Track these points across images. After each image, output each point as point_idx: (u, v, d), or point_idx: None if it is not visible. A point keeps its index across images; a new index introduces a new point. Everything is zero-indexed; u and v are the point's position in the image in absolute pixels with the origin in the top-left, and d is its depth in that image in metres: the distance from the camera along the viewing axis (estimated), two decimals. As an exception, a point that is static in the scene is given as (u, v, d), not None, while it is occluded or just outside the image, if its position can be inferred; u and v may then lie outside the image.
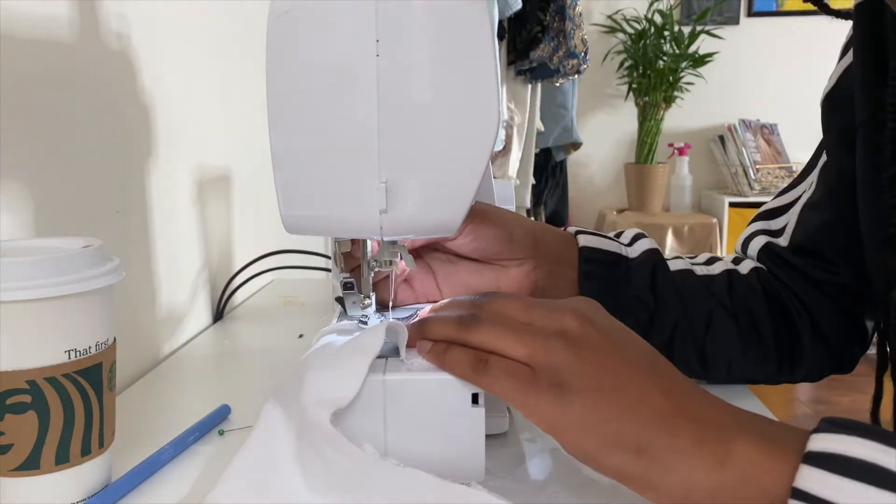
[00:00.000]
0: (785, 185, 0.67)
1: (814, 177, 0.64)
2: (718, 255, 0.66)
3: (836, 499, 0.31)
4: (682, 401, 0.37)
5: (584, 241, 0.60)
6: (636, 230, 0.63)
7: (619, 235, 0.63)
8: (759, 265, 0.64)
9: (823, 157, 0.63)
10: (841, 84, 0.59)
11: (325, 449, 0.40)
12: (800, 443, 0.33)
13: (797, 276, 0.62)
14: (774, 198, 0.68)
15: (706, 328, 0.59)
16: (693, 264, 0.63)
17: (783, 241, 0.63)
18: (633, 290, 0.58)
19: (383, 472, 0.39)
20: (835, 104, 0.60)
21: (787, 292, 0.62)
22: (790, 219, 0.64)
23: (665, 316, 0.58)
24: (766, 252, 0.63)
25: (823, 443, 0.32)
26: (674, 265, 0.61)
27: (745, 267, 0.63)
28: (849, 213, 0.58)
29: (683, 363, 0.60)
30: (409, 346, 0.46)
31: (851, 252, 0.58)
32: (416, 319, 0.48)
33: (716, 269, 0.62)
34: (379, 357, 0.45)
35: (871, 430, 0.32)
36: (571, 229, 0.62)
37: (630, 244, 0.61)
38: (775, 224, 0.65)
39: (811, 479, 0.31)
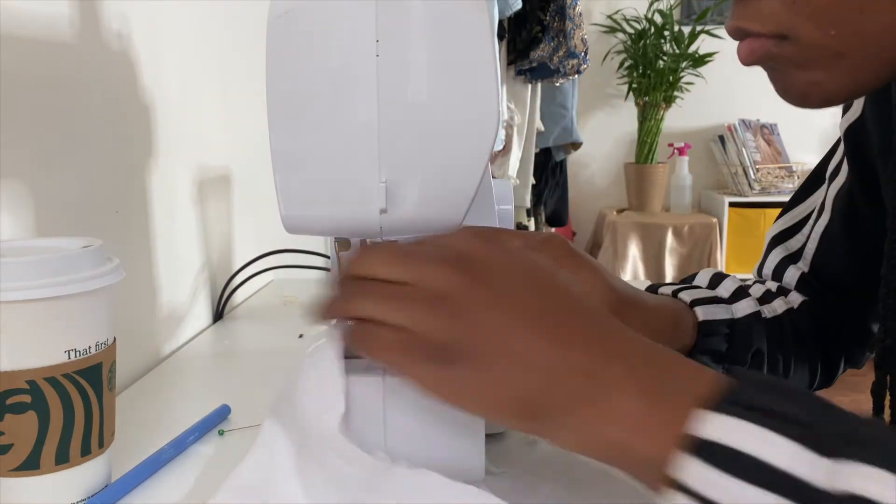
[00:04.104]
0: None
1: (825, 199, 0.64)
2: (765, 283, 0.67)
3: (714, 496, 0.29)
4: (572, 349, 0.34)
5: (702, 314, 0.58)
6: (737, 283, 0.62)
7: (716, 283, 0.62)
8: (804, 299, 0.65)
9: (837, 182, 0.63)
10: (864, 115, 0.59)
11: (332, 458, 0.40)
12: (689, 404, 0.31)
13: (821, 302, 0.64)
14: (781, 216, 0.69)
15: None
16: (759, 304, 0.63)
17: (803, 266, 0.65)
18: (737, 354, 0.59)
19: (393, 474, 0.39)
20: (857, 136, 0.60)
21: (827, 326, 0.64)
22: (805, 243, 0.65)
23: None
24: (803, 285, 0.65)
25: (711, 427, 0.30)
26: (743, 309, 0.61)
27: (794, 301, 0.64)
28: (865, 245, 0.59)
29: None
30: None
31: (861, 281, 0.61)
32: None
33: (778, 308, 0.63)
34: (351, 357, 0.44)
35: (777, 400, 0.31)
36: (685, 296, 0.59)
37: (732, 301, 0.61)
38: (792, 245, 0.67)
39: (689, 473, 0.30)
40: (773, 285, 0.66)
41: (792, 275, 0.66)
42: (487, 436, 0.46)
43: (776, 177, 3.05)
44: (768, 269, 0.68)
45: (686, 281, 0.64)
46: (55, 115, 0.62)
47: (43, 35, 0.61)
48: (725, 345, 0.58)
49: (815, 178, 0.67)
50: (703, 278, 0.63)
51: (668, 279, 2.98)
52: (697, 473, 0.30)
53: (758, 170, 3.05)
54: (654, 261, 2.99)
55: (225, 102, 1.03)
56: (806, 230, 0.66)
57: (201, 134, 0.94)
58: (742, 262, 3.05)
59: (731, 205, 3.03)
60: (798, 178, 3.06)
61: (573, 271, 0.50)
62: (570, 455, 0.47)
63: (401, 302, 0.36)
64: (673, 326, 0.57)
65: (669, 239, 2.97)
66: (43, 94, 0.61)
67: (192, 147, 0.90)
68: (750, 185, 3.04)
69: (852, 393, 2.67)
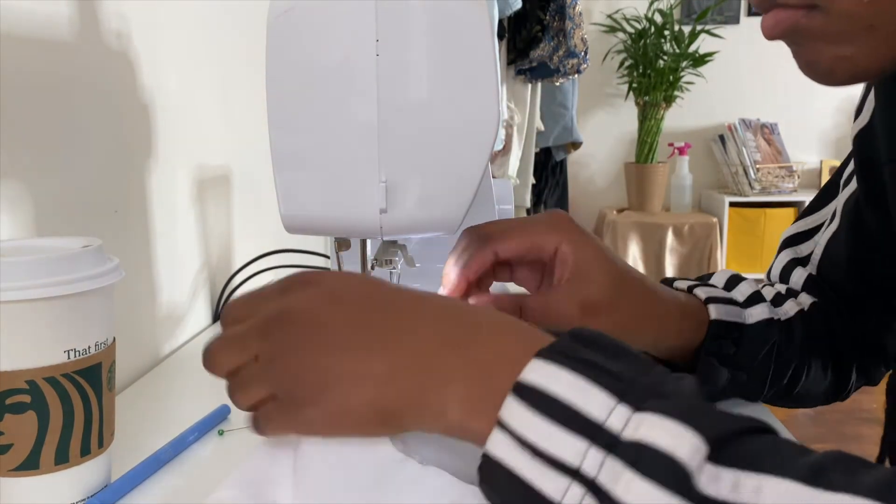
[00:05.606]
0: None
1: (836, 205, 0.63)
2: (776, 287, 0.65)
3: (527, 436, 0.31)
4: (399, 354, 0.36)
5: (714, 312, 0.56)
6: (753, 288, 0.61)
7: (732, 286, 0.60)
8: (813, 300, 0.63)
9: (848, 190, 0.62)
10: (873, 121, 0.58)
11: (346, 449, 0.40)
12: (513, 380, 0.33)
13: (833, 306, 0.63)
14: (797, 221, 0.68)
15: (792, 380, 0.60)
16: (773, 308, 0.61)
17: (811, 269, 0.64)
18: (744, 360, 0.57)
19: (403, 472, 0.39)
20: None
21: (838, 327, 0.62)
22: (814, 249, 0.64)
23: (754, 378, 0.59)
24: (811, 285, 0.64)
25: (535, 374, 0.32)
26: (756, 315, 0.60)
27: (805, 302, 0.63)
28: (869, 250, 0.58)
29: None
30: None
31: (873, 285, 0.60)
32: None
33: (789, 311, 0.61)
34: None
35: (598, 356, 0.32)
36: (700, 293, 0.58)
37: (746, 305, 0.59)
38: (802, 250, 0.66)
39: (511, 412, 0.31)
40: (782, 288, 0.65)
41: (799, 275, 0.64)
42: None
43: (776, 176, 3.05)
44: (776, 270, 0.67)
45: (702, 280, 0.63)
46: (55, 114, 0.62)
47: (42, 35, 0.61)
48: (734, 348, 0.57)
49: (831, 188, 0.66)
50: (719, 279, 0.62)
51: (669, 279, 2.98)
52: (518, 414, 0.31)
53: (758, 169, 3.05)
54: (654, 260, 2.99)
55: (225, 102, 1.03)
56: (817, 237, 0.65)
57: (201, 134, 0.94)
58: (742, 262, 3.05)
59: (732, 204, 3.03)
60: (798, 177, 3.06)
61: (575, 246, 0.49)
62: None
63: (249, 384, 0.39)
64: (681, 318, 0.56)
65: (670, 238, 2.97)
66: (43, 93, 0.61)
67: (191, 147, 0.90)
68: (750, 184, 3.04)
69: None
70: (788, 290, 0.65)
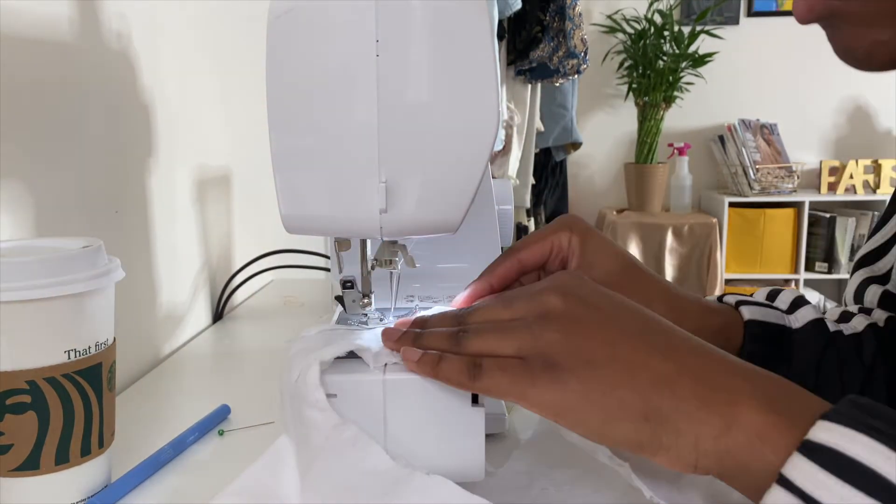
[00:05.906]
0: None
1: None
2: (847, 308, 0.62)
3: (819, 497, 0.30)
4: (686, 361, 0.35)
5: (748, 314, 0.55)
6: (795, 294, 0.58)
7: (773, 297, 0.58)
8: (889, 315, 0.60)
9: None
10: None
11: (350, 459, 0.40)
12: (809, 418, 0.32)
13: None
14: (867, 240, 0.65)
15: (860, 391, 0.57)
16: (836, 322, 0.59)
17: (892, 287, 0.61)
18: (796, 370, 0.54)
19: (409, 481, 0.39)
20: None
21: None
22: (893, 261, 0.61)
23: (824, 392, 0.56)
24: (886, 301, 0.61)
25: (826, 434, 0.31)
26: (802, 317, 0.57)
27: (879, 318, 0.60)
28: None
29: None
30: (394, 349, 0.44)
31: None
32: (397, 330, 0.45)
33: (857, 325, 0.59)
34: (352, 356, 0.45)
35: (886, 426, 0.31)
36: (730, 298, 0.57)
37: (791, 311, 0.57)
38: (879, 268, 0.63)
39: (799, 471, 0.31)
40: (853, 308, 0.62)
41: (874, 292, 0.61)
42: (487, 436, 0.46)
43: (776, 177, 3.05)
44: (849, 291, 0.64)
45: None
46: (55, 115, 0.62)
47: (43, 35, 0.61)
48: (780, 351, 0.54)
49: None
50: (759, 295, 0.59)
51: (669, 279, 2.98)
52: (808, 474, 0.30)
53: (758, 170, 3.05)
54: (654, 261, 2.99)
55: (225, 102, 1.03)
56: (894, 250, 0.61)
57: (201, 134, 0.94)
58: (742, 262, 3.05)
59: (731, 205, 3.03)
60: (798, 177, 3.05)
61: (583, 238, 0.50)
62: (568, 455, 0.47)
63: (509, 332, 0.38)
64: (702, 311, 0.53)
65: (669, 239, 2.97)
66: (43, 94, 0.61)
67: (192, 147, 0.90)
68: (750, 185, 3.04)
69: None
70: (861, 309, 0.62)
